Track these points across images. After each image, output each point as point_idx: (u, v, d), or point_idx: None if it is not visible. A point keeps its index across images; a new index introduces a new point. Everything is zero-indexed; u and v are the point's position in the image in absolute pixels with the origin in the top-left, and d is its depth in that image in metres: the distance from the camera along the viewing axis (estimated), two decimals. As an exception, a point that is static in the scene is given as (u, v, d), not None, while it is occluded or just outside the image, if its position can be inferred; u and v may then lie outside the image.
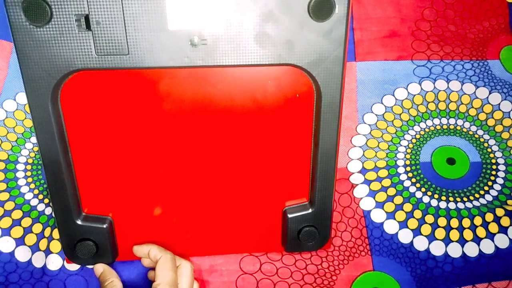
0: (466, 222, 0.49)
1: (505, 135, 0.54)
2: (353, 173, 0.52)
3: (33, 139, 0.48)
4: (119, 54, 0.35)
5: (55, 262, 0.46)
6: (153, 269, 0.44)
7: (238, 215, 0.46)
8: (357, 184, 0.52)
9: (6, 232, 0.45)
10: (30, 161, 0.48)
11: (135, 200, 0.44)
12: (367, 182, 0.52)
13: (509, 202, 0.51)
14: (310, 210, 0.45)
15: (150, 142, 0.41)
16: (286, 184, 0.45)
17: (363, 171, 0.52)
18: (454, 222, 0.49)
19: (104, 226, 0.43)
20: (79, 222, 0.43)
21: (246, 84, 0.39)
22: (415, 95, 0.55)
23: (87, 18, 0.34)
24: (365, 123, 0.54)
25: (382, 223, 0.50)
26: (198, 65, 0.37)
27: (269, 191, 0.45)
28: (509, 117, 0.55)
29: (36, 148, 0.47)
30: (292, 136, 0.42)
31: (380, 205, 0.51)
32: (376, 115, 0.54)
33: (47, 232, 0.46)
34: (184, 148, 0.42)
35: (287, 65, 0.37)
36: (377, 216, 0.50)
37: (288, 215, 0.45)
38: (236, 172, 0.43)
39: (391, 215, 0.50)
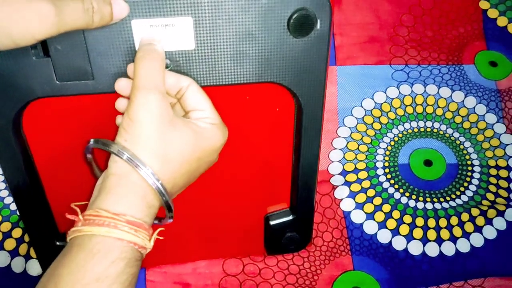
0: (443, 222, 0.51)
1: (480, 137, 0.56)
2: (333, 175, 0.53)
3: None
4: (82, 79, 0.33)
5: (35, 268, 0.45)
6: None
7: (221, 221, 0.46)
8: (337, 186, 0.53)
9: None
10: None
11: None
12: (347, 183, 0.53)
13: (484, 202, 0.53)
14: (291, 217, 0.45)
15: None
16: (268, 191, 0.45)
17: (344, 173, 0.53)
18: (431, 222, 0.51)
19: None
20: (57, 243, 0.42)
21: (228, 100, 0.38)
22: (393, 98, 0.56)
23: (44, 44, 0.31)
24: (345, 126, 0.55)
25: (362, 224, 0.51)
26: None
27: (251, 198, 0.45)
28: (484, 120, 0.56)
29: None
30: (273, 148, 0.42)
31: (360, 206, 0.52)
32: (356, 118, 0.55)
33: (27, 237, 0.46)
34: None
35: (266, 82, 0.36)
36: (357, 216, 0.51)
37: (270, 222, 0.45)
38: (220, 181, 0.43)
39: (370, 216, 0.51)
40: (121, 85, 0.32)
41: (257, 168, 0.43)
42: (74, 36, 0.31)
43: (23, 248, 0.45)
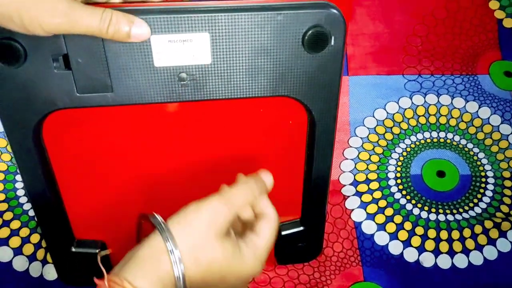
0: (455, 234, 0.50)
1: (494, 148, 0.55)
2: (344, 185, 0.53)
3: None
4: (102, 92, 0.34)
5: (51, 272, 0.47)
6: None
7: None
8: (348, 196, 0.53)
9: (4, 242, 0.46)
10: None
11: (127, 223, 0.42)
12: (359, 194, 0.53)
13: (498, 214, 0.52)
14: (302, 228, 0.45)
15: (137, 168, 0.41)
16: (279, 201, 0.44)
17: (355, 183, 0.53)
18: (444, 234, 0.50)
19: (97, 250, 0.43)
20: (73, 249, 0.43)
21: (240, 113, 0.39)
22: (406, 109, 0.56)
23: (66, 57, 0.32)
24: (357, 136, 0.55)
25: (373, 235, 0.51)
26: (187, 100, 0.36)
27: None
28: (498, 131, 0.56)
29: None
30: (286, 159, 0.42)
31: (371, 216, 0.52)
32: (368, 128, 0.55)
33: (44, 242, 0.47)
34: (174, 176, 0.42)
35: (280, 96, 0.37)
36: (368, 227, 0.51)
37: (281, 231, 0.45)
38: None
39: (381, 227, 0.51)
40: None
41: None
42: (95, 50, 0.32)
43: (40, 253, 0.47)
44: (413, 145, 0.55)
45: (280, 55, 0.34)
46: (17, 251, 0.46)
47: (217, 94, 0.35)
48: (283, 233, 0.45)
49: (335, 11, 0.33)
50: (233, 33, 0.33)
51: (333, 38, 0.34)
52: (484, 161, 0.55)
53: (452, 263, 0.49)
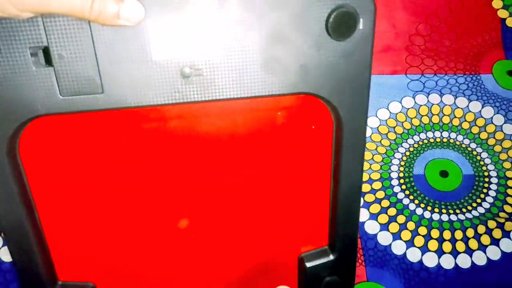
0: (458, 234, 0.50)
1: (498, 148, 0.55)
2: (347, 185, 0.53)
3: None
4: (90, 93, 0.28)
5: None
6: None
7: (247, 263, 0.39)
8: (351, 196, 0.53)
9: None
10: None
11: (120, 263, 0.36)
12: (362, 194, 0.53)
13: (501, 214, 0.52)
14: (331, 257, 0.38)
15: (134, 195, 0.34)
16: (302, 226, 0.38)
17: (358, 183, 0.53)
18: (447, 234, 0.50)
19: None
20: None
21: (251, 116, 0.33)
22: (409, 108, 0.56)
23: (46, 50, 0.27)
24: (360, 135, 0.55)
25: (375, 235, 0.51)
26: (192, 101, 0.30)
27: (283, 234, 0.38)
28: (502, 131, 0.56)
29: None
30: (308, 173, 0.36)
31: (374, 216, 0.52)
32: (371, 128, 0.55)
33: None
34: (178, 199, 0.35)
35: (301, 94, 0.31)
36: (371, 227, 0.51)
37: (306, 263, 0.38)
38: (244, 213, 0.36)
39: (384, 227, 0.51)
40: None
41: (288, 198, 0.37)
42: (81, 40, 0.26)
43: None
44: (416, 145, 0.55)
45: (300, 42, 0.29)
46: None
47: (227, 93, 0.30)
48: (308, 265, 0.38)
49: None
50: (245, 16, 0.28)
51: (361, 20, 0.29)
52: (487, 161, 0.55)
53: (456, 263, 0.49)
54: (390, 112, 0.56)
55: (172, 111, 0.32)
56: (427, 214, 0.52)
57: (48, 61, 0.27)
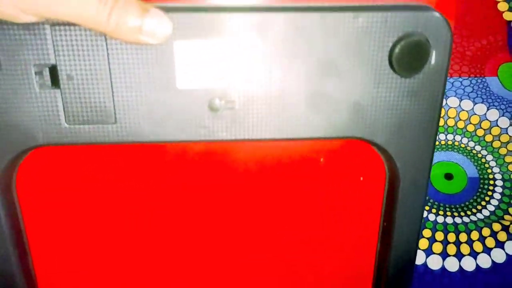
0: (463, 237, 0.50)
1: (503, 150, 0.55)
2: (352, 187, 0.53)
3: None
4: (101, 123, 0.23)
5: None
6: None
7: None
8: (356, 198, 0.53)
9: None
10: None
11: None
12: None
13: (506, 217, 0.52)
14: None
15: (146, 245, 0.30)
16: None
17: (363, 185, 0.53)
18: (451, 237, 0.50)
19: None
20: None
21: (288, 161, 0.27)
22: (413, 111, 0.56)
23: (53, 69, 0.22)
24: (364, 138, 0.55)
25: (380, 237, 0.51)
26: (220, 139, 0.25)
27: None
28: (507, 133, 0.56)
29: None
30: (353, 231, 0.30)
31: (378, 219, 0.52)
32: (376, 130, 0.56)
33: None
34: (193, 246, 0.31)
35: (351, 138, 0.25)
36: (376, 229, 0.51)
37: None
38: (282, 274, 0.31)
39: (389, 229, 0.51)
40: None
41: (329, 259, 0.32)
42: (95, 60, 0.22)
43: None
44: (421, 148, 0.55)
45: (356, 77, 0.24)
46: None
47: (263, 133, 0.24)
48: None
49: (436, 14, 0.23)
50: (290, 42, 0.22)
51: (434, 52, 0.24)
52: (492, 163, 0.55)
53: (460, 266, 0.49)
54: (395, 115, 0.56)
55: (194, 147, 0.27)
56: (431, 217, 0.52)
57: (55, 82, 0.23)
